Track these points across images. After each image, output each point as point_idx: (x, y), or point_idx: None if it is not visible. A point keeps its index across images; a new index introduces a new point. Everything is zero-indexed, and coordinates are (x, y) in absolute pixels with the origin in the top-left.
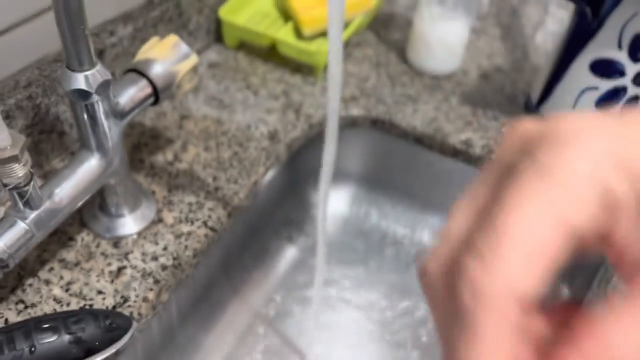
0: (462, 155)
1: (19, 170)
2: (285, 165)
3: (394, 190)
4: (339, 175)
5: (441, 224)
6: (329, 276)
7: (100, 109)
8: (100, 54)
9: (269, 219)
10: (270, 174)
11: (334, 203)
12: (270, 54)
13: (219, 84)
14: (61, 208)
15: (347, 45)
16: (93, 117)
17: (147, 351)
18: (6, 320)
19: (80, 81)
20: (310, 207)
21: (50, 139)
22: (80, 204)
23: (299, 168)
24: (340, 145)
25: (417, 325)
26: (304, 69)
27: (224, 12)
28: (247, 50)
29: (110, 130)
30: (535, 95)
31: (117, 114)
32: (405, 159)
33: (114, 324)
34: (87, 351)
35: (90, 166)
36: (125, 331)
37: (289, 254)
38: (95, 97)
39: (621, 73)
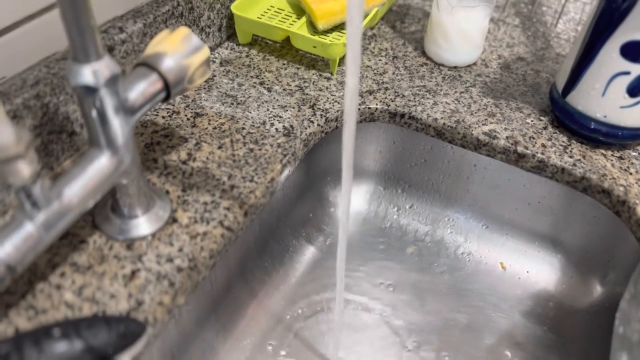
0: (486, 147)
1: (25, 169)
2: (302, 163)
3: (413, 187)
4: (357, 172)
5: (464, 218)
6: (348, 276)
7: (109, 105)
8: (110, 51)
9: (286, 219)
10: (286, 172)
11: (353, 200)
12: (284, 50)
13: (232, 80)
14: (71, 209)
15: (363, 38)
16: (101, 113)
17: (163, 357)
18: (16, 327)
19: (86, 74)
20: (329, 205)
21: (60, 139)
22: (91, 204)
23: (316, 165)
24: (358, 141)
25: (442, 326)
26: (319, 63)
27: (236, 7)
28: (259, 46)
29: (121, 127)
30: (560, 83)
31: (127, 109)
32: (425, 154)
33: (127, 329)
34: (100, 359)
35: (100, 165)
36: (139, 337)
37: (308, 254)
38: (102, 92)
39: None
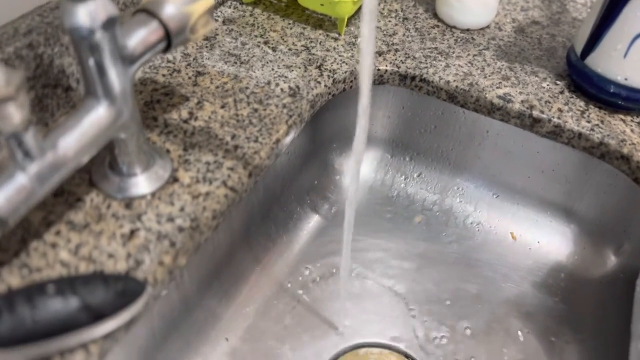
0: (500, 111)
1: (15, 114)
2: (307, 128)
3: (422, 154)
4: None
5: (474, 186)
6: (355, 245)
7: (106, 50)
8: None
9: (291, 185)
10: (292, 135)
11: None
12: (289, 9)
13: (235, 39)
14: (66, 161)
15: None
16: (98, 60)
17: (164, 322)
18: (8, 286)
19: (81, 14)
20: (334, 172)
21: (55, 94)
22: (87, 158)
23: (321, 131)
24: None
25: (450, 296)
26: (326, 23)
27: None
28: (264, 5)
29: (119, 76)
30: (579, 45)
31: (126, 58)
32: (435, 119)
33: (126, 288)
34: (97, 317)
35: (97, 115)
36: (138, 296)
37: (313, 222)
38: (99, 35)
39: None
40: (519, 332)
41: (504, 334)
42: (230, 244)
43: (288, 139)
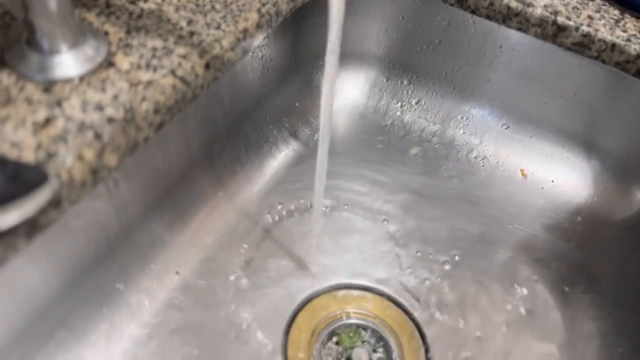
0: (517, 18)
1: None
2: (289, 34)
3: (422, 77)
4: (354, 56)
5: (481, 116)
6: (339, 179)
7: None
8: None
9: (266, 103)
10: (265, 31)
11: (347, 91)
12: None
13: None
14: None
15: None
16: None
17: (96, 244)
18: None
19: None
20: (319, 94)
21: None
22: None
23: (305, 43)
24: (359, 16)
25: (448, 236)
26: None
27: None
28: None
29: None
30: None
31: None
32: (440, 32)
33: (19, 174)
34: None
35: None
36: (36, 187)
37: (291, 148)
38: None
39: None
40: (527, 280)
41: (509, 282)
42: (186, 158)
43: (259, 34)
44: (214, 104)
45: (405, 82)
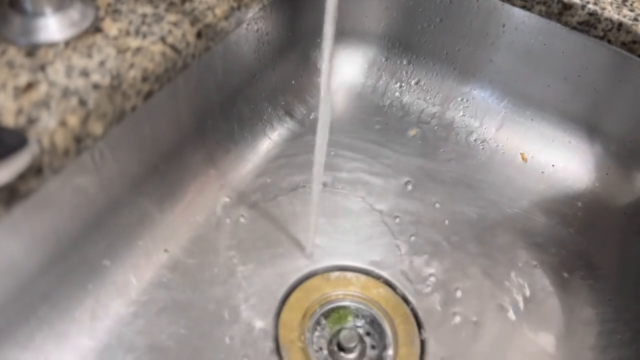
0: None
1: None
2: (287, 8)
3: (422, 57)
4: (352, 34)
5: (482, 97)
6: (335, 157)
7: None
8: None
9: (261, 79)
10: (261, 2)
11: (345, 70)
12: None
13: None
14: None
15: None
16: None
17: (81, 217)
18: None
19: None
20: (316, 73)
21: None
22: None
23: (303, 20)
24: None
25: (445, 219)
26: None
27: None
28: None
29: None
30: None
31: None
32: (442, 10)
33: None
34: None
35: None
36: (13, 151)
37: (286, 126)
38: None
39: None
40: (525, 265)
41: (507, 266)
42: (176, 133)
43: (255, 6)
44: (207, 76)
45: (404, 62)
